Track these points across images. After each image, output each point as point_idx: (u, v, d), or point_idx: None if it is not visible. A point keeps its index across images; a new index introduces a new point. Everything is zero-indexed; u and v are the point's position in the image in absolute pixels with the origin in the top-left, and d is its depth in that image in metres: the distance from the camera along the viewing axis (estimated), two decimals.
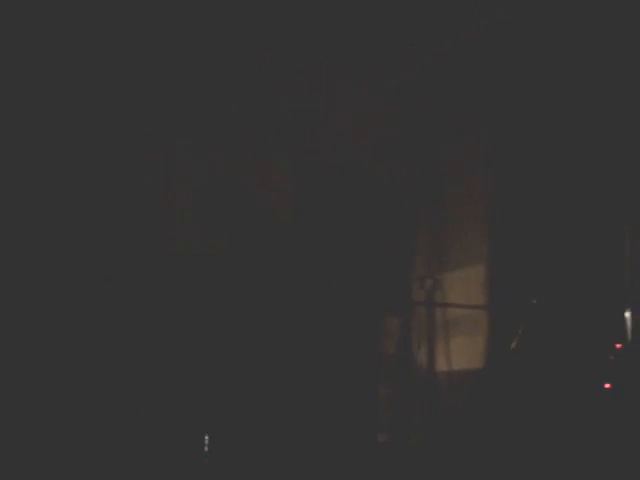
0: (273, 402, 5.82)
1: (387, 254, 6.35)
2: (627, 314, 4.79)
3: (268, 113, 6.21)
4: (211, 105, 6.15)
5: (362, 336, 6.16)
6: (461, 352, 6.04)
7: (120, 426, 5.53)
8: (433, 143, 6.50)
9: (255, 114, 6.19)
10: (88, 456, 5.40)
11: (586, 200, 5.32)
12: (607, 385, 4.80)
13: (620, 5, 5.02)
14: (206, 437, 5.50)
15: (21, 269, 5.61)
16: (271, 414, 5.79)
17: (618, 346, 4.87)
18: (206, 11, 6.04)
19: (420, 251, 6.37)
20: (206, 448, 5.48)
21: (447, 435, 5.83)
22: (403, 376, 6.18)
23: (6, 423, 5.36)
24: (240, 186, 6.12)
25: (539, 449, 5.04)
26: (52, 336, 5.56)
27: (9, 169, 5.69)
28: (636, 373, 4.69)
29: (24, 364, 5.48)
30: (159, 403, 5.65)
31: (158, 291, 5.80)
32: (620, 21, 5.05)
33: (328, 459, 5.73)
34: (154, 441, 5.55)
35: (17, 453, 5.28)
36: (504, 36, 5.78)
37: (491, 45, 5.88)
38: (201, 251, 5.93)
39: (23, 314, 5.53)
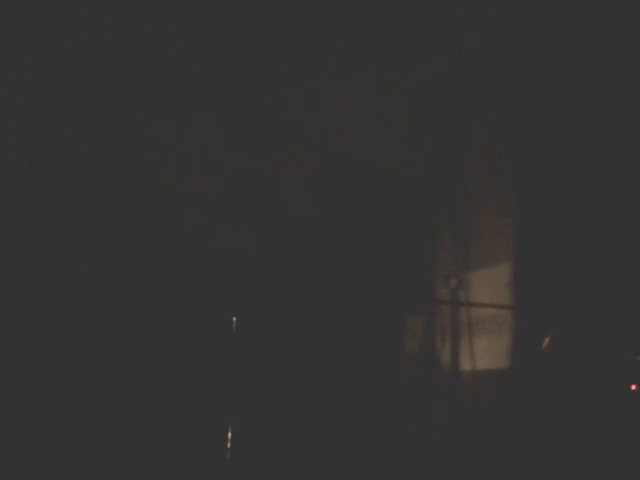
0: (297, 398, 5.82)
1: (410, 252, 6.33)
2: None
3: (286, 104, 6.19)
4: (228, 91, 6.13)
5: (385, 335, 6.14)
6: (485, 352, 6.02)
7: (147, 419, 5.56)
8: (455, 140, 6.49)
9: (271, 105, 6.18)
10: (109, 449, 5.44)
11: (612, 196, 5.29)
12: (633, 387, 4.78)
13: None
14: (229, 433, 5.51)
15: (26, 266, 5.65)
16: (295, 410, 5.79)
17: None
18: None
19: (444, 249, 6.34)
20: (229, 443, 5.49)
21: (470, 435, 5.81)
22: (426, 375, 6.15)
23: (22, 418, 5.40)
24: (258, 180, 6.12)
25: (563, 450, 5.01)
26: (66, 327, 5.60)
27: (23, 150, 5.72)
28: None
29: (33, 360, 5.52)
30: (180, 399, 5.67)
31: (175, 281, 5.81)
32: None
33: (350, 456, 5.73)
34: (176, 435, 5.58)
35: (24, 453, 5.31)
36: (520, 34, 5.77)
37: (510, 42, 5.87)
38: (219, 240, 5.93)
39: (29, 309, 5.58)
